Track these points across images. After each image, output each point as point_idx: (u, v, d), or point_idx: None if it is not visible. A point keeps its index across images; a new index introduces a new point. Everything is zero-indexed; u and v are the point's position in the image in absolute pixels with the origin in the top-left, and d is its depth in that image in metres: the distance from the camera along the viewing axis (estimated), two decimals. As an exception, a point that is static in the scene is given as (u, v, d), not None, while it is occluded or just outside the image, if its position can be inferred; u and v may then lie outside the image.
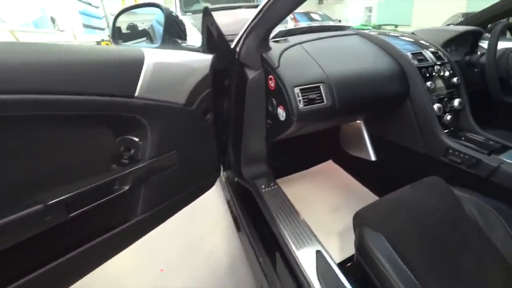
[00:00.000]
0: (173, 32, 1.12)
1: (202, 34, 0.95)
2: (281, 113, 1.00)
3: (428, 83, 1.15)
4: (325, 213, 1.36)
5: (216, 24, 0.94)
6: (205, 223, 1.63)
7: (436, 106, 1.14)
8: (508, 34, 1.51)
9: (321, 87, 0.98)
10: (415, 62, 1.17)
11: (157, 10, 1.17)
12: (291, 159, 1.68)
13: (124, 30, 1.49)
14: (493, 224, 0.83)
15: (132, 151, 0.68)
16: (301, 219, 0.98)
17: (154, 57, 0.69)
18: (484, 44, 1.34)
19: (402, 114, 1.22)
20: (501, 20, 1.46)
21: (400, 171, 1.33)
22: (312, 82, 0.97)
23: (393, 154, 1.34)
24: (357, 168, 1.60)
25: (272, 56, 1.01)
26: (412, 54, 1.20)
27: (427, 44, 1.35)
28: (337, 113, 1.01)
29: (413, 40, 1.37)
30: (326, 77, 0.99)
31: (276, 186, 1.17)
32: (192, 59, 0.85)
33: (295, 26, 1.72)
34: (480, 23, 1.49)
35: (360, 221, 0.82)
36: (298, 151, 1.67)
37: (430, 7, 10.02)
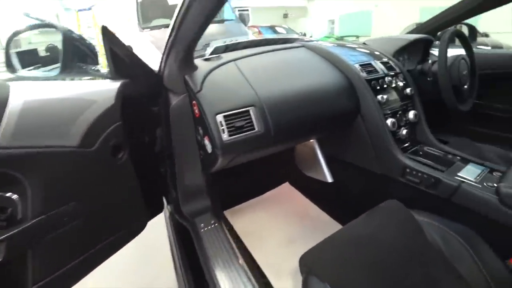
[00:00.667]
0: (80, 56, 0.94)
1: (106, 57, 0.80)
2: (207, 144, 0.85)
3: (379, 97, 1.05)
4: (278, 248, 1.20)
5: (123, 44, 0.79)
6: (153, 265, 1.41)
7: (389, 121, 1.04)
8: (456, 41, 1.48)
9: (250, 111, 0.84)
10: (364, 74, 1.07)
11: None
12: (243, 184, 1.52)
13: (43, 53, 1.28)
14: (458, 252, 0.73)
15: (9, 210, 0.56)
16: (240, 264, 0.82)
17: (26, 93, 0.58)
18: (435, 51, 1.29)
19: (354, 132, 1.10)
20: (449, 28, 1.43)
21: (358, 193, 1.21)
22: (239, 107, 0.83)
23: (350, 175, 1.23)
24: (315, 191, 1.47)
25: (195, 77, 0.86)
26: (360, 65, 1.10)
27: (378, 54, 1.27)
28: (274, 140, 0.87)
29: (362, 50, 1.28)
30: (258, 99, 0.85)
31: (217, 224, 1.02)
32: (88, 90, 0.72)
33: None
34: (429, 31, 1.46)
35: (305, 268, 0.68)
36: (251, 175, 1.52)
37: (386, 18, 10.55)
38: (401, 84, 1.17)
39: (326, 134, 1.20)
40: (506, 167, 0.92)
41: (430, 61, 1.28)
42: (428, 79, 1.26)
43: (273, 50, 1.12)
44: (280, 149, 1.06)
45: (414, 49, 1.37)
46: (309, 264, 0.68)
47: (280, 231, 1.28)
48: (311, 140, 1.32)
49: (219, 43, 1.12)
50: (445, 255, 0.71)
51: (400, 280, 0.64)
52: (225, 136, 0.79)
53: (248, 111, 0.83)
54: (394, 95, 1.13)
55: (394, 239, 0.73)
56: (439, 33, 1.51)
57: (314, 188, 1.45)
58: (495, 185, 0.83)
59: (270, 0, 14.52)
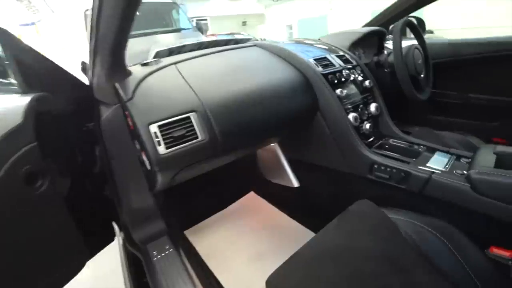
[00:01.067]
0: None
1: (9, 67, 0.66)
2: (145, 160, 0.72)
3: (338, 91, 0.99)
4: (246, 266, 1.08)
5: (35, 52, 0.66)
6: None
7: (351, 116, 0.97)
8: (408, 32, 1.48)
9: (192, 118, 0.72)
10: (320, 68, 1.01)
11: None
12: (203, 199, 1.38)
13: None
14: (438, 249, 0.69)
15: None
16: None
17: None
18: (389, 44, 1.27)
19: (315, 131, 1.03)
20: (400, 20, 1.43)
21: (327, 196, 1.13)
22: (177, 114, 0.71)
23: (317, 178, 1.15)
24: (282, 198, 1.38)
25: (126, 85, 0.74)
26: (315, 60, 1.03)
27: (334, 48, 1.22)
28: (222, 149, 0.77)
29: (318, 46, 1.22)
30: (200, 104, 0.74)
31: (172, 250, 0.88)
32: None
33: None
34: (382, 24, 1.45)
35: None
36: (211, 187, 1.39)
37: (341, 22, 11.00)
38: (359, 77, 1.12)
39: (284, 135, 1.11)
40: (472, 153, 0.89)
41: (385, 53, 1.25)
42: (385, 70, 1.23)
43: (222, 51, 1.02)
44: (233, 158, 0.94)
45: (369, 43, 1.34)
46: None
47: (247, 246, 1.16)
48: (272, 144, 1.23)
49: (162, 47, 1.01)
50: (424, 255, 0.66)
51: None
52: (161, 149, 0.67)
53: (188, 117, 0.71)
54: (353, 89, 1.07)
55: (370, 245, 0.66)
56: (391, 26, 1.51)
57: (281, 195, 1.35)
58: (465, 172, 0.79)
59: (228, 9, 14.58)
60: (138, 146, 0.74)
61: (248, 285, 1.00)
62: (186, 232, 1.23)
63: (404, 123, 1.23)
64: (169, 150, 0.67)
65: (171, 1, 4.25)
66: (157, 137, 0.66)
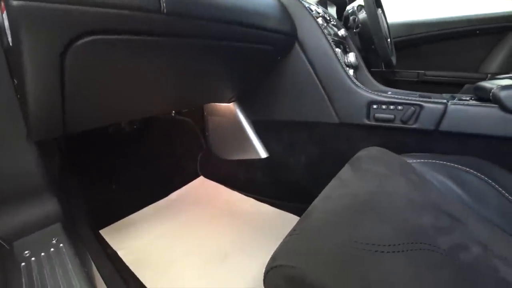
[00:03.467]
0: None
1: None
2: (5, 18, 0.37)
3: (319, 20, 0.78)
4: (203, 272, 0.69)
5: None
6: None
7: (338, 50, 0.77)
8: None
9: None
10: None
11: None
12: (131, 188, 0.97)
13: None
14: (479, 189, 0.52)
15: None
16: None
17: None
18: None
19: (291, 74, 0.79)
20: None
21: (307, 164, 0.86)
22: None
23: (292, 140, 0.87)
24: (244, 179, 1.05)
25: None
26: None
27: None
28: (165, 20, 0.43)
29: None
30: None
31: (64, 245, 0.49)
32: None
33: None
34: None
35: (291, 285, 0.30)
36: (143, 173, 1.00)
37: None
38: (332, 21, 0.95)
39: (251, 70, 0.81)
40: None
41: (349, 12, 1.14)
42: (354, 31, 1.11)
43: None
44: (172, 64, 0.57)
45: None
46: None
47: (202, 245, 0.76)
48: (227, 105, 0.93)
49: None
50: (467, 199, 0.51)
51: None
52: None
53: None
54: (330, 30, 0.89)
55: (408, 192, 0.45)
56: None
57: (242, 175, 1.02)
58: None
59: None
60: None
61: None
62: (103, 232, 0.79)
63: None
64: None
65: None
66: None
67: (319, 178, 0.83)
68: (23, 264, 0.48)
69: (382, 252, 0.30)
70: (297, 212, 0.88)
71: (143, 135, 1.04)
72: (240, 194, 1.00)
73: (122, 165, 0.96)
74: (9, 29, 0.39)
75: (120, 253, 0.71)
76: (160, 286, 0.62)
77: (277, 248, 0.32)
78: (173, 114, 1.12)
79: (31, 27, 0.34)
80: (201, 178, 1.11)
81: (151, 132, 1.06)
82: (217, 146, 1.07)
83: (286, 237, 0.34)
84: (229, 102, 0.93)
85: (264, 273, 0.31)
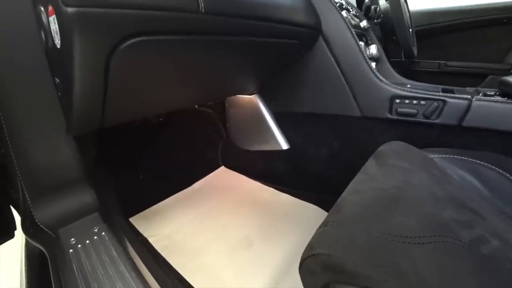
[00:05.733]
0: None
1: None
2: (53, 22, 0.40)
3: (343, 13, 0.79)
4: (229, 259, 0.74)
5: None
6: None
7: (361, 44, 0.77)
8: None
9: None
10: None
11: None
12: (156, 179, 1.02)
13: None
14: (500, 185, 0.53)
15: None
16: None
17: None
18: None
19: (314, 67, 0.80)
20: None
21: (329, 155, 0.88)
22: None
23: (313, 132, 0.90)
24: (264, 169, 1.08)
25: None
26: None
27: None
28: (203, 19, 0.46)
29: None
30: None
31: (106, 233, 0.56)
32: None
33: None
34: None
35: (327, 272, 0.32)
36: (167, 164, 1.05)
37: None
38: (354, 12, 0.95)
39: (275, 64, 0.83)
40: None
41: (370, 1, 1.12)
42: (375, 21, 1.10)
43: None
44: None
45: None
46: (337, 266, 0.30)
47: (224, 233, 0.81)
48: (249, 97, 0.95)
49: None
50: (487, 195, 0.52)
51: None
52: None
53: None
54: (353, 21, 0.89)
55: (431, 186, 0.47)
56: None
57: (263, 165, 1.06)
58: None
59: None
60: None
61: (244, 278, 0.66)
62: (132, 220, 0.84)
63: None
64: None
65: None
66: None
67: (340, 170, 0.85)
68: (71, 250, 0.53)
69: (410, 243, 0.33)
70: (316, 202, 0.91)
71: (167, 127, 1.08)
72: (260, 184, 1.04)
73: (147, 156, 1.01)
74: (57, 32, 0.42)
75: (151, 240, 0.76)
76: (190, 272, 0.67)
77: (312, 238, 0.35)
78: (196, 106, 1.15)
79: (83, 31, 0.37)
80: (222, 168, 1.15)
81: (174, 124, 1.10)
82: (238, 136, 1.10)
83: (320, 227, 0.37)
84: (251, 95, 0.95)
85: (301, 261, 0.35)
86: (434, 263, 0.32)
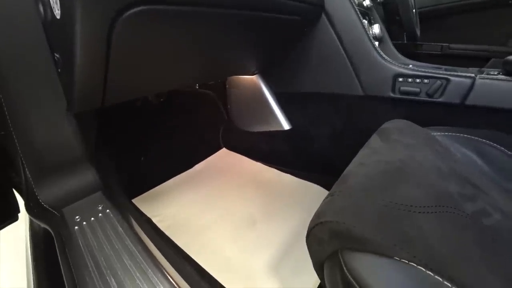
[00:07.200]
0: None
1: None
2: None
3: (346, -11, 0.77)
4: (234, 237, 0.75)
5: None
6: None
7: (364, 22, 0.76)
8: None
9: None
10: None
11: None
12: (158, 160, 1.02)
13: None
14: (495, 160, 0.54)
15: None
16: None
17: None
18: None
19: (316, 43, 0.79)
20: None
21: (330, 135, 0.88)
22: None
23: (315, 112, 0.89)
24: (265, 150, 1.08)
25: None
26: None
27: None
28: None
29: None
30: None
31: (108, 210, 0.56)
32: None
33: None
34: None
35: (335, 239, 0.32)
36: (170, 145, 1.04)
37: None
38: None
39: (276, 39, 0.81)
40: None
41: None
42: (378, 0, 1.08)
43: None
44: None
45: None
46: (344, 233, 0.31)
47: (229, 211, 0.82)
48: (250, 77, 0.94)
49: None
50: (484, 169, 0.53)
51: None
52: None
53: None
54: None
55: (435, 160, 0.48)
56: None
57: (264, 146, 1.06)
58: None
59: None
60: None
61: (247, 264, 0.67)
62: (134, 201, 0.85)
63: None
64: None
65: None
66: None
67: (342, 149, 0.86)
68: (76, 227, 0.53)
69: (414, 212, 0.33)
70: (319, 182, 0.91)
71: (168, 109, 1.07)
72: (262, 165, 1.04)
73: (149, 137, 1.00)
74: (57, 1, 0.40)
75: (154, 220, 0.77)
76: (195, 250, 0.68)
77: (320, 207, 0.36)
78: (197, 87, 1.14)
79: None
80: (224, 149, 1.15)
81: (175, 105, 1.09)
82: (239, 118, 1.10)
83: (327, 197, 0.37)
84: (253, 75, 0.94)
85: (308, 230, 0.35)
86: (438, 231, 0.32)
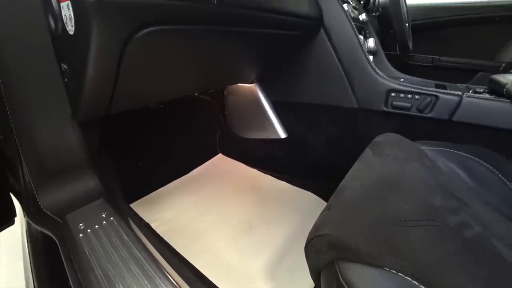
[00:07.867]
0: None
1: None
2: (66, 8, 0.41)
3: (345, 6, 0.80)
4: (231, 241, 0.78)
5: None
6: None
7: (361, 37, 0.80)
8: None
9: None
10: None
11: None
12: (155, 165, 1.04)
13: None
14: (485, 177, 0.58)
15: None
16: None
17: None
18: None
19: (314, 57, 0.82)
20: None
21: (325, 145, 0.92)
22: None
23: (311, 122, 0.93)
24: (261, 157, 1.12)
25: None
26: None
27: None
28: (216, 10, 0.47)
29: None
30: None
31: (113, 218, 0.57)
32: None
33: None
34: None
35: (332, 250, 0.35)
36: (166, 151, 1.06)
37: None
38: (355, 10, 0.97)
39: (276, 52, 0.85)
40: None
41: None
42: (373, 14, 1.12)
43: None
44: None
45: None
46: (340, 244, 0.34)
47: (227, 216, 0.85)
48: (248, 85, 0.97)
49: None
50: (473, 185, 0.56)
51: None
52: None
53: None
54: (353, 14, 0.91)
55: (422, 174, 0.51)
56: None
57: (260, 153, 1.09)
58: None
59: None
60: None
61: (244, 268, 0.70)
62: (133, 206, 0.86)
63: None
64: None
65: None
66: None
67: (337, 157, 0.89)
68: (81, 235, 0.54)
69: (405, 226, 0.37)
70: (313, 189, 0.95)
71: (166, 114, 1.09)
72: (258, 171, 1.07)
73: (146, 142, 1.02)
74: (71, 18, 0.42)
75: (153, 225, 0.79)
76: (194, 253, 0.70)
77: (318, 220, 0.39)
78: (196, 94, 1.16)
79: (102, 19, 0.38)
80: (220, 155, 1.18)
81: (174, 111, 1.11)
82: (236, 124, 1.13)
83: (324, 210, 0.40)
84: (251, 83, 0.97)
85: (307, 241, 0.38)
86: (426, 244, 0.36)
